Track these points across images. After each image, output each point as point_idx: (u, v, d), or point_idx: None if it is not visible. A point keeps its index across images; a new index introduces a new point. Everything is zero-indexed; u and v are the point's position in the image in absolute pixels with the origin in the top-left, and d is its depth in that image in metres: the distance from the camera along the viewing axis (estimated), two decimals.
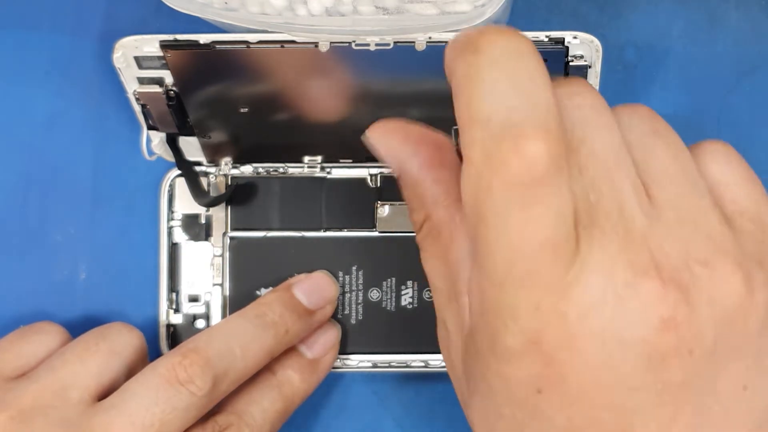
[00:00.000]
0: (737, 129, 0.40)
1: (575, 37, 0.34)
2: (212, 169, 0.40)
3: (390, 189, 0.39)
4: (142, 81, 0.36)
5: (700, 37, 0.40)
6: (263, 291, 0.39)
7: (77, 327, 0.40)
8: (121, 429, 0.31)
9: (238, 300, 0.39)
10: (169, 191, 0.40)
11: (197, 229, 0.40)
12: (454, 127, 0.38)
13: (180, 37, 0.34)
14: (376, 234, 0.39)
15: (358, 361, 0.39)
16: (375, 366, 0.39)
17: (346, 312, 0.39)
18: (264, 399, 0.35)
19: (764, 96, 0.40)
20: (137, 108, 0.37)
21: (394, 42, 0.34)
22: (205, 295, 0.39)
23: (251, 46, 0.34)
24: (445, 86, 0.36)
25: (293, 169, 0.40)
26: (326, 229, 0.40)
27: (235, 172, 0.40)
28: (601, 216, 0.22)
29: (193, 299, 0.39)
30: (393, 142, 0.26)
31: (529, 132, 0.21)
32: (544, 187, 0.21)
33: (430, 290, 0.39)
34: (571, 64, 0.35)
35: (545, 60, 0.34)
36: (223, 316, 0.39)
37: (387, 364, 0.39)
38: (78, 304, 0.40)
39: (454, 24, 0.33)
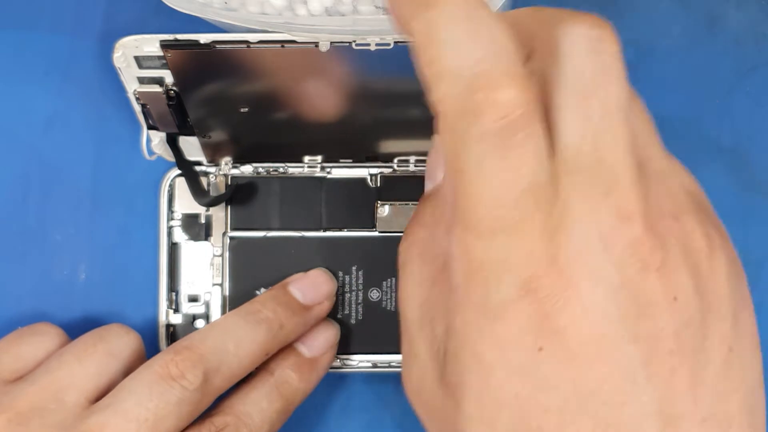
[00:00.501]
0: (737, 129, 0.40)
1: None
2: (212, 169, 0.40)
3: (390, 189, 0.39)
4: (142, 81, 0.36)
5: (700, 37, 0.40)
6: (263, 291, 0.39)
7: (77, 327, 0.40)
8: (116, 426, 0.32)
9: (237, 300, 0.39)
10: (169, 191, 0.40)
11: (197, 228, 0.40)
12: None
13: (180, 36, 0.34)
14: (376, 234, 0.39)
15: (358, 361, 0.39)
16: (375, 366, 0.39)
17: (346, 312, 0.39)
18: (262, 399, 0.35)
19: (764, 96, 0.40)
20: (137, 108, 0.37)
21: (394, 42, 0.34)
22: (205, 295, 0.39)
23: (251, 46, 0.34)
24: None
25: (293, 169, 0.40)
26: (326, 229, 0.40)
27: (235, 172, 0.40)
28: (591, 164, 0.22)
29: (193, 299, 0.39)
30: (441, 158, 0.26)
31: (499, 81, 0.21)
32: (518, 132, 0.21)
33: None
34: None
35: None
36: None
37: (387, 364, 0.39)
38: (78, 304, 0.40)
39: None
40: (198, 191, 0.39)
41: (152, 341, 0.39)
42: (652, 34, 0.40)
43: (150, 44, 0.35)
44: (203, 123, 0.38)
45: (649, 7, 0.40)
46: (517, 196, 0.21)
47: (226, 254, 0.39)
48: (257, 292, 0.39)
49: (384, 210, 0.39)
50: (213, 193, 0.39)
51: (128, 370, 0.35)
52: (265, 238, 0.40)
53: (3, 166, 0.40)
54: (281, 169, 0.40)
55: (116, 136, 0.40)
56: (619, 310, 0.22)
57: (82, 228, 0.40)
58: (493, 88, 0.21)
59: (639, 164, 0.23)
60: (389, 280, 0.39)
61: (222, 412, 0.34)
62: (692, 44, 0.40)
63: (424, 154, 0.39)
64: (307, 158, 0.39)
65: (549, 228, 0.22)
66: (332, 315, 0.39)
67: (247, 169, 0.40)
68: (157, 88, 0.36)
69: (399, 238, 0.39)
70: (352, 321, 0.39)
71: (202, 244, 0.40)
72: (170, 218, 0.40)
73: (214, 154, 0.39)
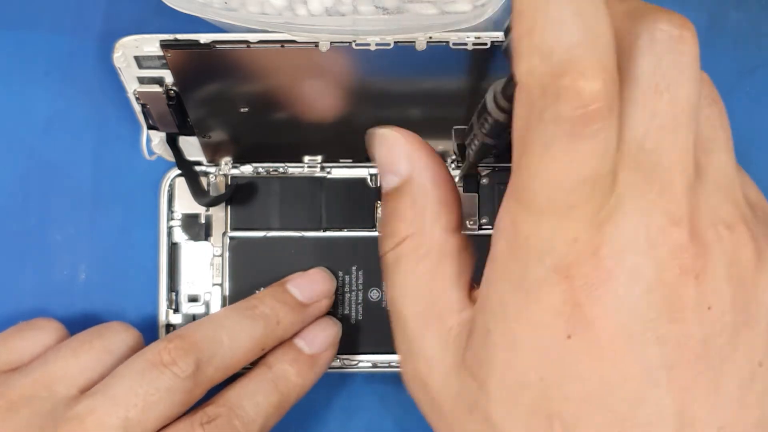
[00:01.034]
0: (737, 129, 0.40)
1: None
2: (212, 169, 0.40)
3: None
4: (142, 80, 0.36)
5: (700, 37, 0.40)
6: (263, 290, 0.39)
7: (77, 327, 0.40)
8: (104, 410, 0.31)
9: (237, 300, 0.39)
10: (169, 191, 0.40)
11: (197, 228, 0.40)
12: (455, 127, 0.38)
13: (180, 36, 0.34)
14: (376, 234, 0.39)
15: (358, 361, 0.39)
16: (375, 366, 0.39)
17: (346, 312, 0.39)
18: (258, 393, 0.35)
19: (764, 96, 0.40)
20: (137, 108, 0.37)
21: (394, 42, 0.34)
22: (205, 295, 0.39)
23: (251, 46, 0.34)
24: (444, 86, 0.36)
25: (293, 169, 0.40)
26: (326, 229, 0.40)
27: (235, 172, 0.40)
28: (650, 163, 0.22)
29: (193, 299, 0.39)
30: (410, 148, 0.26)
31: (588, 70, 0.21)
32: (593, 124, 0.21)
33: None
34: None
35: None
36: None
37: (387, 364, 0.39)
38: (78, 304, 0.40)
39: (454, 24, 0.33)
40: (198, 191, 0.39)
41: (152, 341, 0.39)
42: None
43: (150, 44, 0.35)
44: (203, 123, 0.38)
45: None
46: (575, 184, 0.21)
47: (226, 254, 0.39)
48: (257, 292, 0.39)
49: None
50: (213, 193, 0.39)
51: None
52: (265, 238, 0.40)
53: (3, 166, 0.40)
54: (281, 169, 0.40)
55: (116, 136, 0.40)
56: (650, 311, 0.22)
57: (82, 228, 0.40)
58: (581, 76, 0.21)
59: (700, 169, 0.23)
60: None
61: (215, 403, 0.34)
62: None
63: None
64: (307, 158, 0.39)
65: (599, 219, 0.22)
66: (332, 315, 0.39)
67: (247, 169, 0.40)
68: (157, 88, 0.36)
69: None
70: (352, 321, 0.39)
71: (202, 244, 0.40)
72: (170, 218, 0.40)
73: (214, 154, 0.39)
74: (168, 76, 0.36)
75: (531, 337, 0.23)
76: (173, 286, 0.39)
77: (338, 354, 0.39)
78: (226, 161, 0.39)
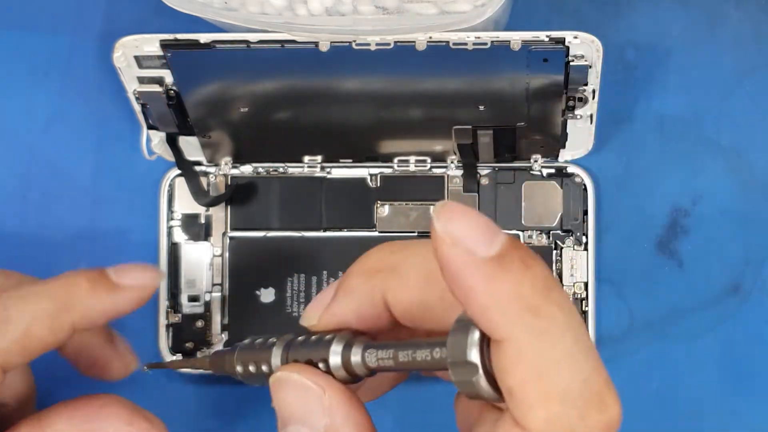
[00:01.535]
0: (737, 129, 0.40)
1: (576, 37, 0.34)
2: (212, 169, 0.40)
3: (390, 189, 0.39)
4: (142, 80, 0.36)
5: (700, 37, 0.40)
6: (263, 291, 0.39)
7: None
8: None
9: (237, 300, 0.39)
10: (169, 191, 0.40)
11: (197, 229, 0.40)
12: (455, 127, 0.38)
13: (180, 36, 0.34)
14: (376, 234, 0.39)
15: None
16: None
17: None
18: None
19: (764, 96, 0.40)
20: (137, 108, 0.37)
21: (394, 42, 0.34)
22: (205, 295, 0.39)
23: (251, 46, 0.34)
24: (444, 86, 0.36)
25: (293, 169, 0.40)
26: (326, 229, 0.39)
27: (235, 172, 0.40)
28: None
29: (193, 299, 0.39)
30: (334, 399, 0.23)
31: (607, 397, 0.20)
32: None
33: None
34: (571, 63, 0.35)
35: (545, 60, 0.34)
36: (223, 316, 0.39)
37: None
38: None
39: (454, 24, 0.33)
40: (198, 191, 0.39)
41: (152, 341, 0.39)
42: (652, 34, 0.40)
43: (150, 44, 0.35)
44: (203, 123, 0.38)
45: (649, 7, 0.40)
46: None
47: (226, 254, 0.39)
48: (257, 292, 0.39)
49: (384, 210, 0.39)
50: (213, 193, 0.39)
51: None
52: (265, 238, 0.40)
53: (3, 166, 0.40)
54: (281, 169, 0.40)
55: (116, 136, 0.40)
56: None
57: (82, 228, 0.40)
58: (605, 407, 0.20)
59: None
60: None
61: None
62: (692, 44, 0.40)
63: (424, 154, 0.39)
64: (307, 158, 0.39)
65: None
66: None
67: (247, 169, 0.40)
68: (157, 88, 0.36)
69: (399, 238, 0.39)
70: None
71: (202, 244, 0.40)
72: (170, 218, 0.40)
73: (214, 154, 0.39)
74: (168, 76, 0.36)
75: None
76: (173, 286, 0.39)
77: None
78: (226, 161, 0.39)
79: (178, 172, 0.39)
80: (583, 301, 0.38)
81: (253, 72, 0.36)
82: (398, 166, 0.39)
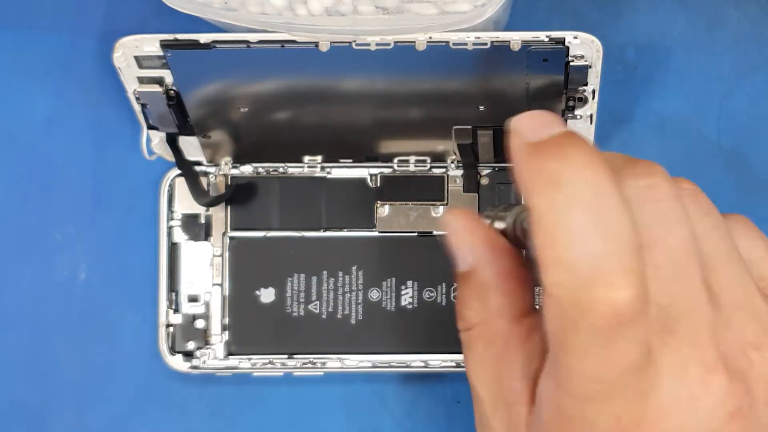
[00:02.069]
0: (737, 129, 0.40)
1: (576, 37, 0.34)
2: (212, 169, 0.40)
3: (390, 189, 0.39)
4: (142, 80, 0.36)
5: (700, 37, 0.40)
6: (263, 291, 0.39)
7: (77, 327, 0.40)
8: None
9: (237, 300, 0.39)
10: (169, 191, 0.40)
11: (197, 229, 0.40)
12: (455, 127, 0.38)
13: (180, 36, 0.34)
14: (376, 234, 0.39)
15: (358, 361, 0.39)
16: (375, 366, 0.39)
17: (346, 312, 0.39)
18: None
19: (764, 96, 0.40)
20: (137, 108, 0.37)
21: (394, 42, 0.34)
22: (205, 295, 0.39)
23: (251, 46, 0.34)
24: (445, 86, 0.36)
25: (293, 169, 0.40)
26: (326, 229, 0.39)
27: (235, 172, 0.40)
28: (672, 319, 0.22)
29: (193, 299, 0.39)
30: (474, 241, 0.26)
31: (616, 279, 0.21)
32: (626, 329, 0.21)
33: (430, 290, 0.39)
34: (571, 64, 0.35)
35: (545, 60, 0.34)
36: (223, 316, 0.39)
37: (387, 364, 0.39)
38: (78, 304, 0.40)
39: (454, 24, 0.33)
40: (198, 191, 0.39)
41: (152, 341, 0.39)
42: (652, 34, 0.40)
43: (150, 44, 0.35)
44: (203, 123, 0.38)
45: (649, 7, 0.40)
46: (616, 377, 0.22)
47: (226, 254, 0.39)
48: (257, 292, 0.39)
49: (384, 210, 0.39)
50: (213, 193, 0.39)
51: None
52: (265, 238, 0.40)
53: (3, 166, 0.40)
54: (281, 169, 0.40)
55: (116, 136, 0.40)
56: None
57: (82, 228, 0.40)
58: (610, 287, 0.21)
59: (714, 296, 0.23)
60: (389, 280, 0.39)
61: None
62: (692, 44, 0.40)
63: (424, 154, 0.39)
64: (307, 158, 0.39)
65: (640, 392, 0.22)
66: (333, 315, 0.39)
67: (247, 169, 0.40)
68: (157, 88, 0.36)
69: (399, 238, 0.39)
70: (352, 321, 0.39)
71: (202, 244, 0.40)
72: (170, 218, 0.40)
73: (214, 154, 0.39)
74: (168, 76, 0.36)
75: None
76: (173, 286, 0.39)
77: (338, 354, 0.39)
78: (226, 161, 0.39)
79: (178, 172, 0.39)
80: None
81: (253, 72, 0.36)
82: (398, 166, 0.39)
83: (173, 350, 0.39)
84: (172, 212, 0.40)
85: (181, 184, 0.39)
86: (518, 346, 0.25)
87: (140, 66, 0.36)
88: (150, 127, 0.38)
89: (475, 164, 0.39)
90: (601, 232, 0.21)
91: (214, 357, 0.39)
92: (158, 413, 0.40)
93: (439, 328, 0.39)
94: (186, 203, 0.39)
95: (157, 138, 0.38)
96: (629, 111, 0.40)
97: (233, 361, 0.39)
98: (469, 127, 0.38)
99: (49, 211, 0.40)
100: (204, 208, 0.40)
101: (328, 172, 0.40)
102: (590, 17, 0.40)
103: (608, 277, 0.21)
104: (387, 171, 0.40)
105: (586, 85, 0.36)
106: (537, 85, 0.35)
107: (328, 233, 0.39)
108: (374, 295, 0.39)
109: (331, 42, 0.34)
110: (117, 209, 0.40)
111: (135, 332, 0.40)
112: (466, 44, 0.34)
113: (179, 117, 0.37)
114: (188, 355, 0.39)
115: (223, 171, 0.39)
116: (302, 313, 0.39)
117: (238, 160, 0.39)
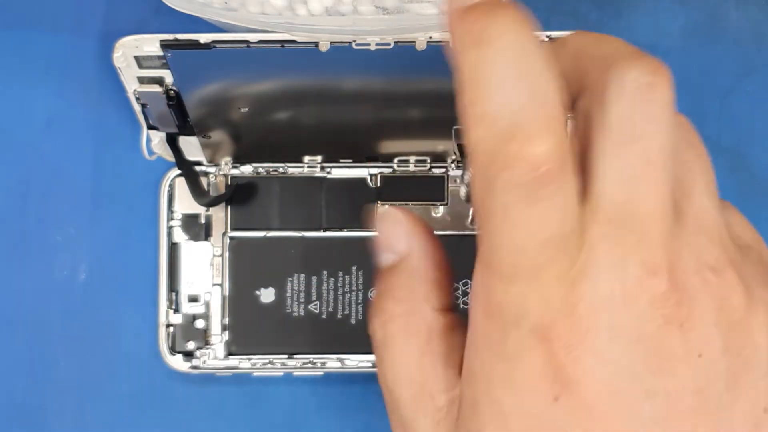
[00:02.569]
0: (737, 129, 0.40)
1: None
2: (212, 169, 0.40)
3: (390, 189, 0.39)
4: (142, 80, 0.36)
5: (700, 37, 0.40)
6: (263, 291, 0.39)
7: (77, 327, 0.40)
8: None
9: (237, 300, 0.39)
10: (169, 191, 0.40)
11: (197, 229, 0.40)
12: (455, 127, 0.38)
13: (180, 36, 0.34)
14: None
15: (358, 361, 0.39)
16: (375, 366, 0.39)
17: (346, 312, 0.39)
18: None
19: (764, 96, 0.40)
20: (137, 108, 0.37)
21: (395, 42, 0.34)
22: (205, 295, 0.39)
23: (251, 46, 0.34)
24: (445, 86, 0.36)
25: (293, 169, 0.40)
26: (326, 229, 0.40)
27: (235, 172, 0.40)
28: (622, 215, 0.22)
29: (193, 299, 0.39)
30: (410, 229, 0.26)
31: (534, 133, 0.21)
32: (547, 186, 0.21)
33: None
34: None
35: None
36: (223, 316, 0.39)
37: None
38: (78, 304, 0.40)
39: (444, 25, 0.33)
40: (198, 191, 0.39)
41: (152, 341, 0.39)
42: (652, 34, 0.40)
43: (150, 44, 0.35)
44: (203, 123, 0.38)
45: (649, 7, 0.40)
46: (539, 246, 0.21)
47: (226, 254, 0.39)
48: (257, 292, 0.39)
49: (384, 210, 0.39)
50: (213, 193, 0.39)
51: None
52: (265, 238, 0.40)
53: (3, 166, 0.40)
54: (281, 169, 0.40)
55: (116, 136, 0.40)
56: (636, 365, 0.21)
57: (82, 228, 0.40)
58: (528, 139, 0.20)
59: (681, 215, 0.23)
60: None
61: None
62: (692, 44, 0.40)
63: (424, 154, 0.39)
64: (307, 158, 0.39)
65: (570, 277, 0.21)
66: (333, 315, 0.39)
67: (247, 169, 0.40)
68: (157, 88, 0.36)
69: None
70: (352, 321, 0.39)
71: (202, 244, 0.40)
72: (170, 218, 0.40)
73: (214, 154, 0.39)
74: (168, 76, 0.36)
75: (518, 404, 0.22)
76: (173, 286, 0.39)
77: (338, 354, 0.39)
78: (226, 161, 0.39)
79: (178, 172, 0.39)
80: None
81: (253, 72, 0.36)
82: (398, 166, 0.39)
83: (173, 350, 0.39)
84: (172, 212, 0.40)
85: (181, 184, 0.39)
86: (441, 337, 0.25)
87: (140, 66, 0.36)
88: (150, 127, 0.38)
89: None
90: (523, 87, 0.21)
91: (214, 357, 0.39)
92: (158, 413, 0.40)
93: None
94: (186, 203, 0.39)
95: (157, 138, 0.38)
96: None
97: (233, 361, 0.39)
98: None
99: (49, 211, 0.40)
100: (204, 208, 0.40)
101: (328, 172, 0.40)
102: (590, 17, 0.40)
103: (526, 130, 0.20)
104: (387, 171, 0.40)
105: None
106: None
107: (328, 233, 0.39)
108: (374, 295, 0.39)
109: (331, 42, 0.34)
110: (117, 209, 0.40)
111: (135, 332, 0.40)
112: None
113: (179, 117, 0.37)
114: (188, 355, 0.39)
115: (223, 171, 0.39)
116: (302, 313, 0.39)
117: (238, 160, 0.39)
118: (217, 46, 0.34)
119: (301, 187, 0.40)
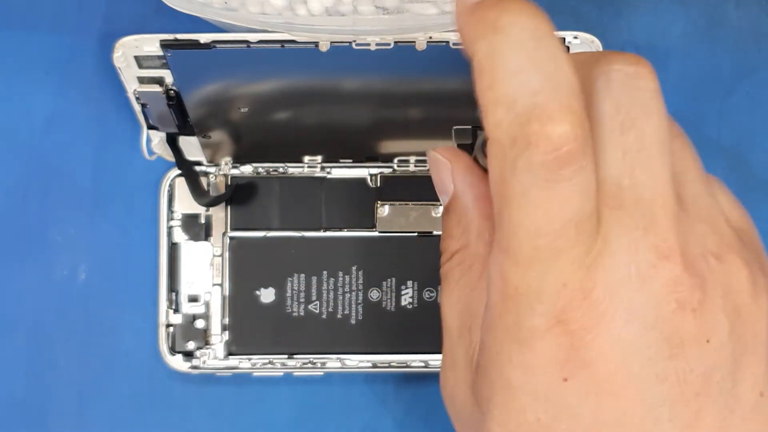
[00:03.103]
0: (737, 129, 0.40)
1: (576, 37, 0.34)
2: (212, 169, 0.40)
3: (390, 189, 0.39)
4: (142, 80, 0.36)
5: (700, 37, 0.40)
6: (263, 291, 0.39)
7: (77, 327, 0.40)
8: None
9: (237, 300, 0.39)
10: (169, 191, 0.40)
11: (197, 229, 0.40)
12: (455, 127, 0.38)
13: (180, 36, 0.34)
14: (376, 234, 0.39)
15: (358, 361, 0.39)
16: (375, 366, 0.39)
17: (346, 312, 0.39)
18: None
19: (764, 96, 0.40)
20: (137, 108, 0.37)
21: (394, 42, 0.34)
22: (205, 295, 0.39)
23: (251, 46, 0.34)
24: (445, 86, 0.36)
25: (293, 169, 0.40)
26: (326, 229, 0.40)
27: (235, 172, 0.40)
28: (631, 199, 0.22)
29: (193, 299, 0.39)
30: (454, 168, 0.27)
31: (554, 114, 0.21)
32: (567, 167, 0.21)
33: (430, 290, 0.39)
34: None
35: None
36: (223, 316, 0.39)
37: (387, 364, 0.39)
38: (78, 304, 0.40)
39: (454, 24, 0.33)
40: (198, 191, 0.39)
41: (152, 341, 0.39)
42: (652, 34, 0.40)
43: (150, 44, 0.35)
44: (203, 123, 0.38)
45: (649, 7, 0.40)
46: (558, 229, 0.21)
47: (226, 254, 0.39)
48: (257, 292, 0.39)
49: (384, 210, 0.39)
50: (213, 193, 0.39)
51: None
52: (265, 238, 0.40)
53: (3, 166, 0.40)
54: (281, 169, 0.40)
55: (116, 136, 0.40)
56: (649, 348, 0.22)
57: (82, 228, 0.40)
58: (547, 120, 0.21)
59: (680, 200, 0.23)
60: (389, 280, 0.39)
61: None
62: (692, 44, 0.40)
63: (424, 154, 0.39)
64: (307, 158, 0.39)
65: (587, 261, 0.22)
66: (333, 315, 0.39)
67: (247, 169, 0.40)
68: (157, 88, 0.36)
69: (399, 238, 0.39)
70: (352, 321, 0.39)
71: (202, 244, 0.40)
72: (170, 218, 0.40)
73: (214, 154, 0.39)
74: (168, 76, 0.36)
75: (526, 383, 0.22)
76: (173, 286, 0.39)
77: (338, 354, 0.39)
78: (226, 161, 0.39)
79: (178, 172, 0.39)
80: None
81: (253, 72, 0.36)
82: (398, 166, 0.39)
83: (173, 350, 0.39)
84: (172, 212, 0.40)
85: (181, 184, 0.39)
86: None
87: (140, 66, 0.36)
88: (150, 127, 0.38)
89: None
90: (539, 70, 0.21)
91: (214, 357, 0.39)
92: (158, 413, 0.40)
93: (439, 328, 0.39)
94: (186, 203, 0.39)
95: (157, 138, 0.38)
96: None
97: (233, 361, 0.39)
98: (469, 127, 0.38)
99: (49, 211, 0.40)
100: (204, 208, 0.40)
101: (328, 172, 0.40)
102: (590, 17, 0.40)
103: (547, 110, 0.21)
104: (387, 171, 0.40)
105: None
106: None
107: (328, 233, 0.39)
108: (374, 295, 0.39)
109: (331, 42, 0.34)
110: (117, 209, 0.40)
111: (135, 332, 0.40)
112: None
113: (179, 117, 0.37)
114: (188, 355, 0.39)
115: (223, 171, 0.39)
116: (302, 313, 0.39)
117: (238, 160, 0.39)
118: (217, 46, 0.34)
119: (301, 187, 0.40)
